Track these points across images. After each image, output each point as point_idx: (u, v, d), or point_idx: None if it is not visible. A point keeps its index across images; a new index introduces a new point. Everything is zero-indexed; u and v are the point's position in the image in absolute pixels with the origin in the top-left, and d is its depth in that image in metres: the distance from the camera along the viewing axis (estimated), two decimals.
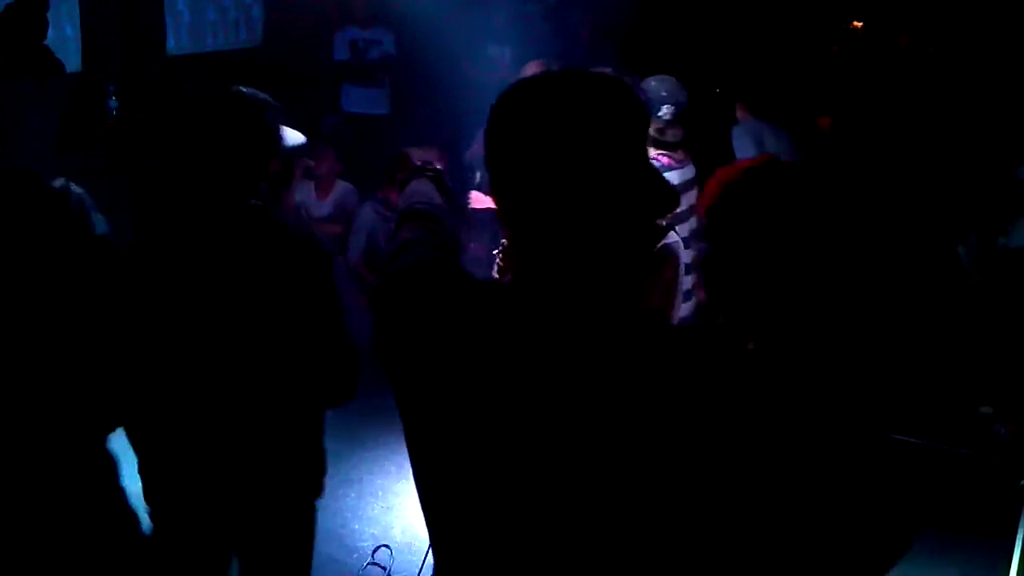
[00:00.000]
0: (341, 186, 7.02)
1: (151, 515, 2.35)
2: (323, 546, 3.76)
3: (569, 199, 1.16)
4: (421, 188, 1.78)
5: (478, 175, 4.89)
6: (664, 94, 3.42)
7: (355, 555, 3.68)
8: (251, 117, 2.21)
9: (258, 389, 2.19)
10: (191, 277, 2.17)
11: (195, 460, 2.26)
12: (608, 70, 2.56)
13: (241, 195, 2.20)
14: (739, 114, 5.04)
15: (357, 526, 3.91)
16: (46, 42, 5.57)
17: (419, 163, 1.89)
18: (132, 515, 2.41)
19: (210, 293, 2.15)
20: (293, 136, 2.66)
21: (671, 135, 3.49)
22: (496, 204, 1.25)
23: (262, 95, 2.48)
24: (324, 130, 7.81)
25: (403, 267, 1.38)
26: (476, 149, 4.79)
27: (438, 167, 1.90)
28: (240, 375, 2.17)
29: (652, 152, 3.65)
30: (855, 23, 7.56)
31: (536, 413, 1.16)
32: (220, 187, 2.19)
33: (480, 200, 4.81)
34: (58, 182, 3.47)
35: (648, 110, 3.81)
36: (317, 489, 2.43)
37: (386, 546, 3.71)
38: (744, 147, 4.91)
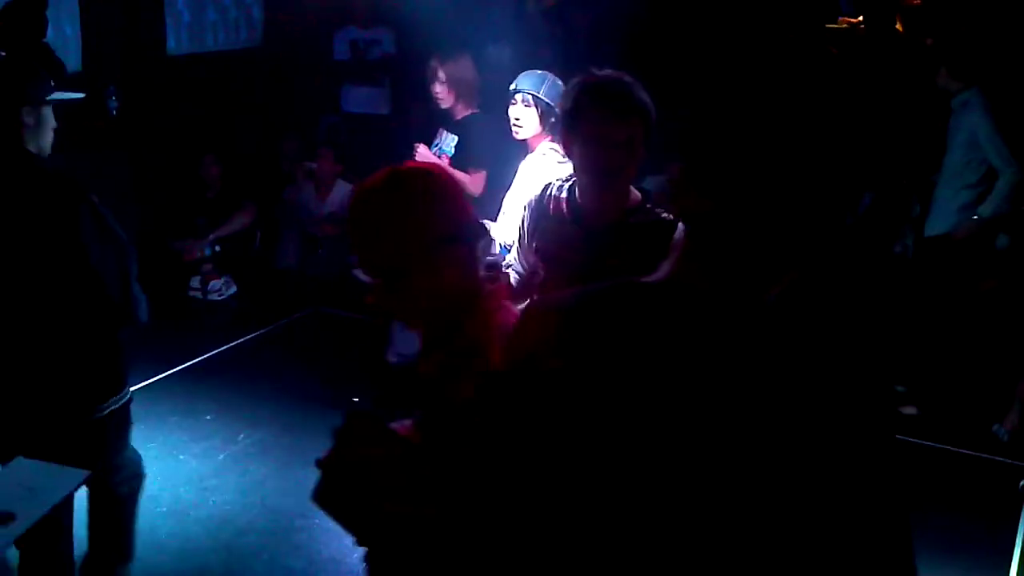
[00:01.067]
0: (341, 187, 7.02)
1: None
2: (323, 547, 3.79)
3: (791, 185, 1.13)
4: None
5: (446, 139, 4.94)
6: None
7: (355, 555, 3.67)
8: None
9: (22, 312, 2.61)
10: None
11: None
12: (609, 71, 2.55)
13: None
14: None
15: None
16: (46, 41, 5.57)
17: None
18: None
19: None
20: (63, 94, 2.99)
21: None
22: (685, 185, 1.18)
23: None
24: (322, 131, 7.82)
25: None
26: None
27: None
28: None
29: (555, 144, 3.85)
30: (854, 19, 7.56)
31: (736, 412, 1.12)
32: None
33: (426, 156, 4.86)
34: None
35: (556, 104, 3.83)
36: (91, 406, 2.78)
37: None
38: None
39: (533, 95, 3.95)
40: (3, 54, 2.93)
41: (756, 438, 1.12)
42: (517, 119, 3.98)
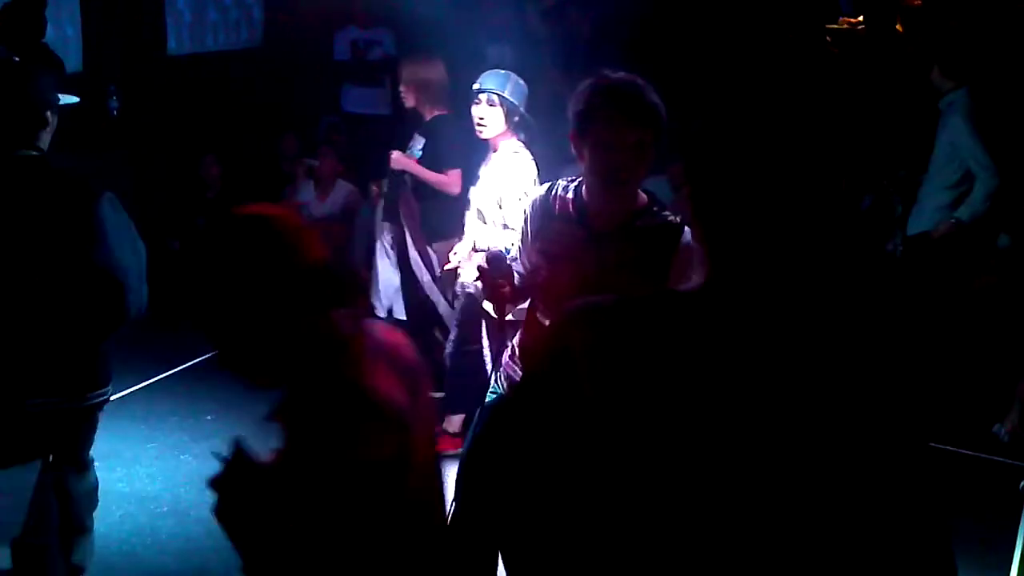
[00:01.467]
0: (342, 186, 7.02)
1: None
2: None
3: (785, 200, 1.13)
4: None
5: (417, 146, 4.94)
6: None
7: None
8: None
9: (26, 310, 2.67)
10: None
11: None
12: (622, 74, 2.53)
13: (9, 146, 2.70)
14: None
15: None
16: (46, 41, 5.57)
17: None
18: None
19: None
20: (65, 97, 3.08)
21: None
22: (696, 208, 1.19)
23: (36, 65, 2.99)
24: (322, 131, 7.82)
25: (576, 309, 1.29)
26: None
27: None
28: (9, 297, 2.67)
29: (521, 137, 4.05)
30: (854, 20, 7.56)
31: (763, 417, 1.13)
32: None
33: (400, 161, 4.89)
34: None
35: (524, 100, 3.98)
36: (82, 395, 2.85)
37: None
38: None
39: (499, 95, 3.97)
40: (16, 57, 2.96)
41: (800, 442, 1.12)
42: (481, 119, 4.00)
